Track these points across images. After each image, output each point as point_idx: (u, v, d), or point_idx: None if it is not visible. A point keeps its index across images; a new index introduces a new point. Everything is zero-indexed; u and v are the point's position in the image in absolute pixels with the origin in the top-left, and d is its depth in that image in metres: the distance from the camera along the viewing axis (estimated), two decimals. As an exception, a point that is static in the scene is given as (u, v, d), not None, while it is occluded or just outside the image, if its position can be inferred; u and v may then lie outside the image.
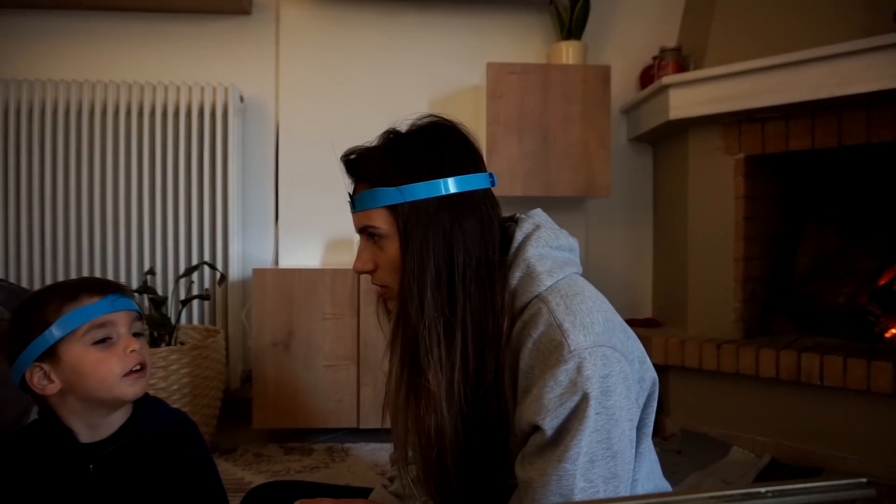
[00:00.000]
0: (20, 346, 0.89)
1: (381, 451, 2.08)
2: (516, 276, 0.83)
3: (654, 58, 2.46)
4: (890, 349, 1.99)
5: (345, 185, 0.94)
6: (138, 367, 0.93)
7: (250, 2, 2.51)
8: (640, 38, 2.67)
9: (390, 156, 0.85)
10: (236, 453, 2.06)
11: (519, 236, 0.86)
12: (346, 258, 2.58)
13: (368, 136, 0.92)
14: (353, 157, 0.89)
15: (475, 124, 2.58)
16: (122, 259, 2.38)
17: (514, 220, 0.91)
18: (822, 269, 2.36)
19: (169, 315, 2.06)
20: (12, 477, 0.91)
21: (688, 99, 2.21)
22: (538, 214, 0.91)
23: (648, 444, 0.89)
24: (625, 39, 2.70)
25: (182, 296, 2.24)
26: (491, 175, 0.89)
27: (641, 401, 0.83)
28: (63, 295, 0.91)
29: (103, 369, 0.90)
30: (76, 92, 2.35)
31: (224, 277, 2.37)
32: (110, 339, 0.92)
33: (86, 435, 0.93)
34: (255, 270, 2.18)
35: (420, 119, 0.89)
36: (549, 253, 0.85)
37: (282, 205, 2.58)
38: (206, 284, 2.42)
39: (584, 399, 0.74)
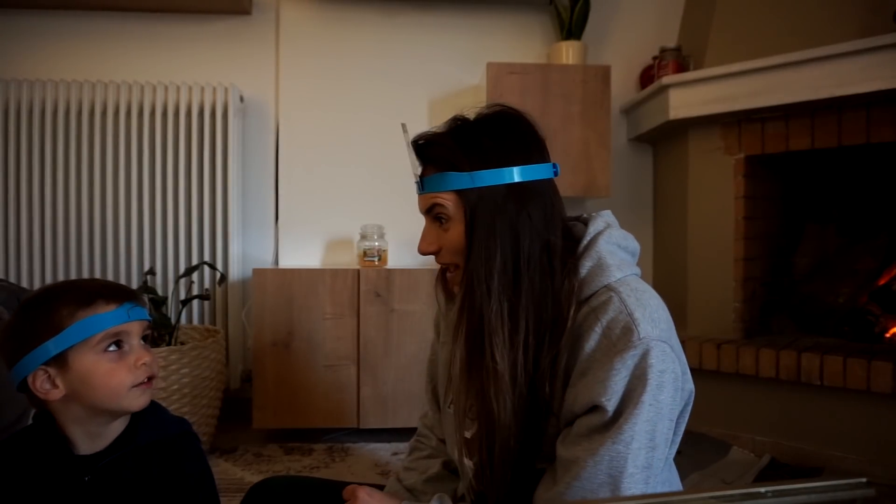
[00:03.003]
0: (26, 347, 0.85)
1: (381, 451, 2.09)
2: (586, 265, 0.86)
3: (654, 58, 2.46)
4: (890, 349, 1.99)
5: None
6: (146, 380, 0.90)
7: (250, 2, 2.51)
8: (640, 38, 2.67)
9: (461, 142, 0.87)
10: (236, 453, 2.06)
11: (591, 231, 0.89)
12: (347, 258, 2.58)
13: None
14: (422, 141, 0.91)
15: (475, 124, 2.58)
16: (122, 259, 2.38)
17: (580, 220, 0.93)
18: (822, 269, 2.36)
19: (169, 315, 2.06)
20: (5, 483, 0.88)
21: (688, 99, 2.21)
22: (609, 215, 0.93)
23: (672, 453, 0.90)
24: (625, 39, 2.70)
25: (182, 296, 2.24)
26: (555, 165, 0.91)
27: (679, 409, 0.86)
28: (78, 299, 0.87)
29: (113, 381, 0.87)
30: (76, 92, 2.35)
31: (224, 277, 2.37)
32: (122, 348, 0.89)
33: (84, 444, 0.90)
34: (255, 270, 2.18)
35: (487, 107, 0.92)
36: (617, 251, 0.89)
37: (282, 205, 2.58)
38: (206, 284, 2.42)
39: (644, 387, 0.77)
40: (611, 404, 0.77)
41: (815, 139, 2.03)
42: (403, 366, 2.18)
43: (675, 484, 0.95)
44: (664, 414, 0.78)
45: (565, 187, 2.32)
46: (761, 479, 1.87)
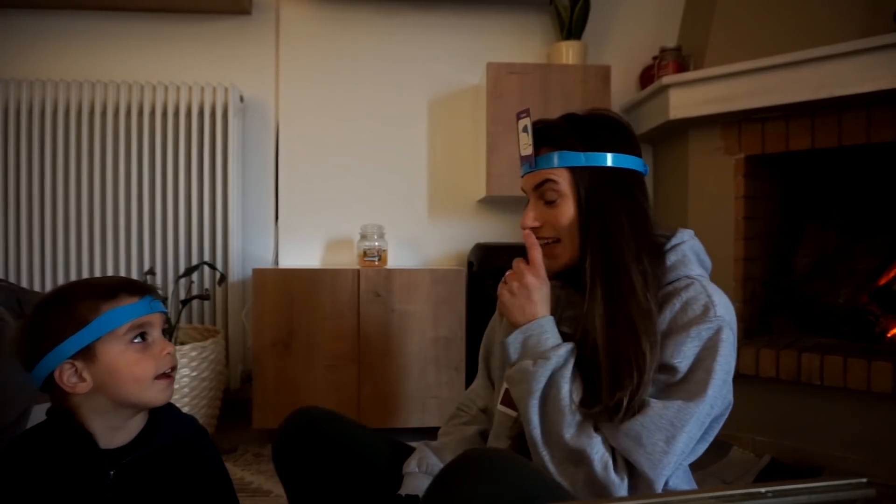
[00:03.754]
0: (51, 342, 0.86)
1: (381, 451, 2.08)
2: (672, 258, 0.97)
3: (654, 58, 2.46)
4: (890, 349, 1.98)
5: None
6: (170, 370, 0.93)
7: (250, 2, 2.51)
8: (640, 38, 2.67)
9: (575, 127, 0.99)
10: (236, 453, 2.06)
11: (678, 237, 1.00)
12: (347, 258, 2.58)
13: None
14: (541, 125, 1.01)
15: (475, 124, 2.59)
16: (122, 259, 2.38)
17: (665, 236, 1.02)
18: (822, 269, 2.35)
19: (169, 315, 2.06)
20: (27, 479, 0.88)
21: (688, 99, 2.21)
22: (690, 234, 1.04)
23: (692, 459, 0.94)
24: (625, 39, 2.70)
25: (182, 296, 2.24)
26: (646, 164, 1.03)
27: (716, 411, 0.92)
28: (100, 293, 0.89)
29: (139, 370, 0.89)
30: (76, 92, 2.35)
31: (224, 277, 2.37)
32: (146, 340, 0.91)
33: (105, 438, 0.91)
34: (255, 270, 2.18)
35: (592, 109, 1.04)
36: (700, 256, 1.01)
37: (282, 205, 2.58)
38: (206, 284, 2.42)
39: (715, 357, 0.87)
40: (683, 366, 0.87)
41: (815, 139, 2.03)
42: (403, 366, 2.18)
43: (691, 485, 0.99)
44: (718, 381, 0.87)
45: (565, 187, 2.32)
46: (761, 479, 1.87)
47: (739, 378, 2.06)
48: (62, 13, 2.50)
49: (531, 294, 0.96)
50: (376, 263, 2.31)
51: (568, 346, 0.93)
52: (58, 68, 2.48)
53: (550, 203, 0.98)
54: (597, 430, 0.87)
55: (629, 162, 0.98)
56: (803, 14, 2.07)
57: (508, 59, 2.56)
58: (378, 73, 2.60)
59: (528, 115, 1.01)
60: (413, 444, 1.11)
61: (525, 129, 1.00)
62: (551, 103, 2.36)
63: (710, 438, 0.94)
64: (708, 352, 0.87)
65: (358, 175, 2.58)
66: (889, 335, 2.12)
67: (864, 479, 0.48)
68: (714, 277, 1.01)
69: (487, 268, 2.32)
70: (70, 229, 2.36)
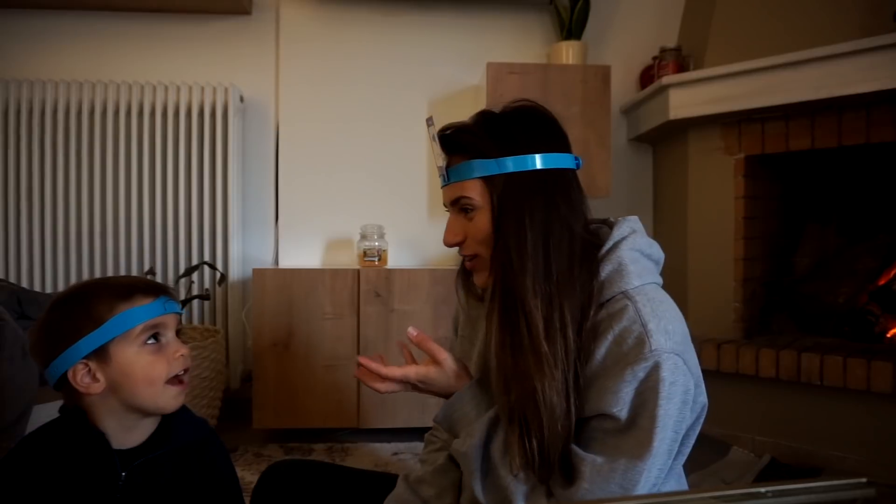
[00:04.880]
0: (66, 342, 0.86)
1: (381, 451, 2.09)
2: (607, 269, 0.85)
3: (654, 58, 2.46)
4: (890, 349, 1.98)
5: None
6: (182, 373, 0.92)
7: (250, 2, 2.51)
8: (640, 38, 2.67)
9: (487, 130, 0.89)
10: (236, 453, 2.05)
11: (616, 235, 0.88)
12: (347, 258, 2.58)
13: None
14: (449, 131, 0.92)
15: (475, 124, 2.58)
16: (122, 259, 2.38)
17: (605, 223, 0.93)
18: (822, 269, 2.35)
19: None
20: (39, 477, 0.88)
21: (688, 99, 2.21)
22: (635, 221, 0.92)
23: (679, 465, 0.91)
24: (625, 39, 2.70)
25: (182, 296, 2.24)
26: (577, 158, 0.92)
27: (689, 422, 0.86)
28: (116, 293, 0.89)
29: (153, 372, 0.88)
30: (76, 92, 2.35)
31: (224, 277, 2.37)
32: (160, 341, 0.91)
33: (118, 439, 0.90)
34: (255, 270, 2.18)
35: (513, 101, 0.93)
36: (640, 258, 0.88)
37: (282, 205, 2.58)
38: (206, 284, 2.42)
39: (656, 399, 0.77)
40: (622, 414, 0.78)
41: (815, 139, 2.03)
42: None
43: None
44: (668, 425, 0.78)
45: (565, 187, 2.32)
46: (761, 479, 1.87)
47: (739, 378, 2.07)
48: (62, 13, 2.50)
49: (431, 388, 0.95)
50: (376, 263, 2.31)
51: (489, 415, 0.88)
52: (58, 68, 2.48)
53: (469, 215, 0.90)
54: (551, 494, 0.82)
55: (551, 161, 0.87)
56: (803, 14, 2.07)
57: (508, 59, 2.56)
58: (378, 73, 2.60)
59: (433, 124, 0.93)
60: (397, 471, 1.12)
61: (434, 139, 0.92)
62: (551, 103, 2.31)
63: (691, 442, 0.89)
64: (649, 394, 0.78)
65: (358, 175, 2.58)
66: (889, 335, 2.12)
67: (864, 479, 0.48)
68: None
69: (487, 268, 2.32)
70: (70, 229, 2.36)
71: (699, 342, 2.14)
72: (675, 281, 2.47)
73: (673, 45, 2.40)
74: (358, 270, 2.19)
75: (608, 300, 0.84)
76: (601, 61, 2.64)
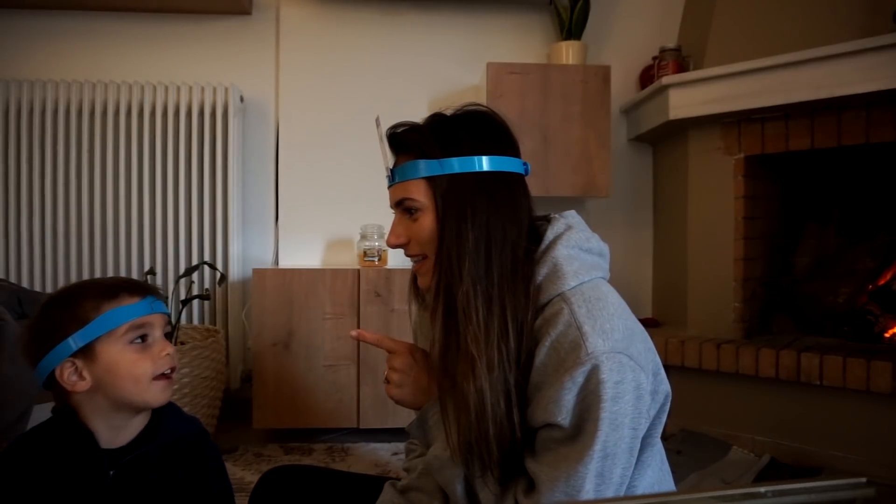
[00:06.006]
0: (53, 340, 0.88)
1: (381, 451, 2.09)
2: (542, 272, 0.85)
3: (654, 58, 2.46)
4: (890, 349, 1.99)
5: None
6: (169, 371, 0.93)
7: (250, 2, 2.51)
8: (640, 38, 2.67)
9: (434, 131, 0.89)
10: (236, 453, 2.06)
11: (550, 235, 0.87)
12: (346, 258, 2.58)
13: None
14: (398, 130, 0.92)
15: (475, 124, 2.58)
16: (122, 259, 2.38)
17: (546, 220, 0.92)
18: (822, 269, 2.35)
19: (170, 316, 2.06)
20: (29, 477, 0.89)
21: (688, 99, 2.21)
22: (572, 216, 0.92)
23: (655, 455, 0.89)
24: (625, 39, 2.70)
25: (182, 296, 2.24)
26: (525, 164, 0.91)
27: (652, 412, 0.84)
28: (102, 292, 0.90)
29: (138, 370, 0.90)
30: (76, 92, 2.35)
31: (224, 277, 2.37)
32: (145, 340, 0.92)
33: (106, 438, 0.92)
34: (255, 270, 2.18)
35: (464, 105, 0.93)
36: (578, 255, 0.87)
37: (282, 205, 2.58)
38: (206, 284, 2.42)
39: (599, 403, 0.76)
40: (567, 422, 0.77)
41: (815, 139, 2.03)
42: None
43: (668, 484, 0.94)
44: (624, 423, 0.77)
45: (565, 187, 2.32)
46: (761, 479, 1.87)
47: (739, 378, 2.07)
48: (62, 13, 2.50)
49: (416, 379, 0.93)
50: (376, 263, 2.31)
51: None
52: (58, 68, 2.48)
53: (413, 216, 0.90)
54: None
55: (497, 164, 0.87)
56: (803, 14, 2.07)
57: (508, 59, 2.56)
58: (378, 73, 2.60)
59: (381, 124, 0.94)
60: (386, 476, 1.12)
61: (382, 138, 0.93)
62: (551, 103, 2.36)
63: (659, 429, 0.87)
64: (592, 398, 0.76)
65: (358, 175, 2.58)
66: (888, 335, 2.12)
67: (864, 479, 0.48)
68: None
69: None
70: (70, 229, 2.36)
71: (699, 342, 2.15)
72: (675, 281, 2.48)
73: (673, 45, 2.40)
74: (358, 270, 2.19)
75: (545, 304, 0.83)
76: (601, 61, 2.64)
